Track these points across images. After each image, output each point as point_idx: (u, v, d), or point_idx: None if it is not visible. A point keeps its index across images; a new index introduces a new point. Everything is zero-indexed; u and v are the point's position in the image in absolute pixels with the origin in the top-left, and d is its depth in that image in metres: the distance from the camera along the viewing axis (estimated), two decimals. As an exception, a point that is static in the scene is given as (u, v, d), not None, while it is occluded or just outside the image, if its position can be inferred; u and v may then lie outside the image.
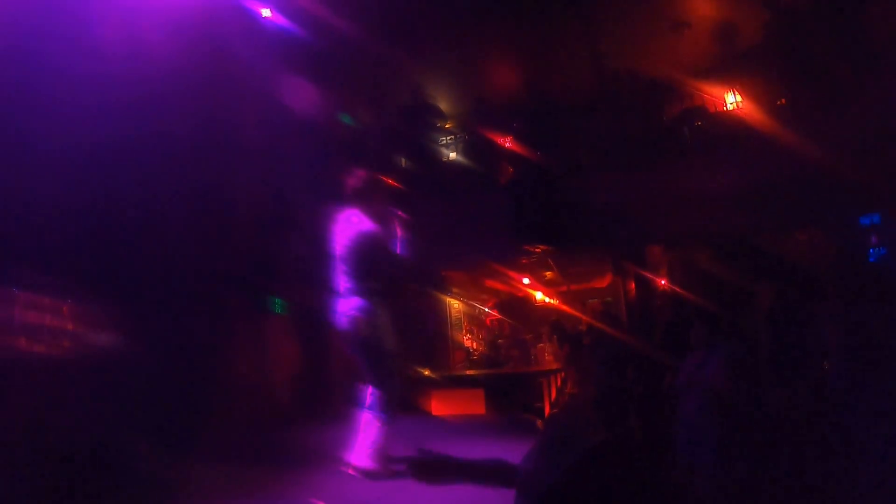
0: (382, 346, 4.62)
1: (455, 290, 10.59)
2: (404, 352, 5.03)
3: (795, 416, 5.73)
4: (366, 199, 4.80)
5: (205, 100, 7.13)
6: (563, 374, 9.10)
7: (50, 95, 5.18)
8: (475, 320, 11.01)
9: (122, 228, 6.35)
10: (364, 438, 4.65)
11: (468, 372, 9.63)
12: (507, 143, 10.02)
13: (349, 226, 4.74)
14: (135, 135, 6.23)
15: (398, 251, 4.84)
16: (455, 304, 10.65)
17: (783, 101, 7.56)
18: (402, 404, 5.31)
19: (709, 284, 7.86)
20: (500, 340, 10.44)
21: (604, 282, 10.80)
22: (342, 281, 4.73)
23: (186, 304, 7.22)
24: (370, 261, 4.68)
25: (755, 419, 5.62)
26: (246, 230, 7.95)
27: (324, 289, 5.39)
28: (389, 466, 4.68)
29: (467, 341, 10.53)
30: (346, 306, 4.63)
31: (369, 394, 4.69)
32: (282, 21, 8.28)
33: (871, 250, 6.86)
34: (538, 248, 9.88)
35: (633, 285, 9.23)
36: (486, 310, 11.06)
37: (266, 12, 8.14)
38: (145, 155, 6.32)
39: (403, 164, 10.54)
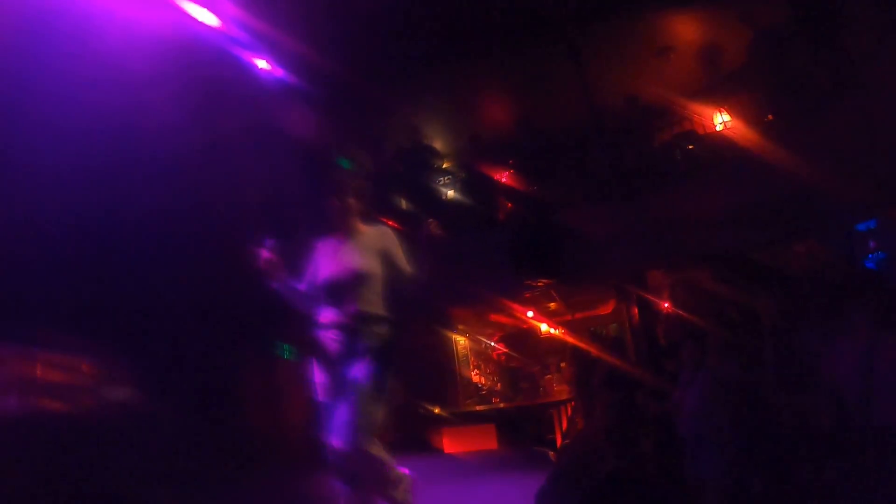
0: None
1: (460, 326, 10.63)
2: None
3: (809, 429, 5.69)
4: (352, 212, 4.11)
5: (206, 150, 7.23)
6: (573, 403, 9.06)
7: (44, 149, 5.28)
8: (482, 355, 11.01)
9: (133, 283, 6.41)
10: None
11: (478, 407, 9.62)
12: (504, 179, 10.14)
13: (348, 252, 4.03)
14: (136, 188, 6.32)
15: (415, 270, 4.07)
16: (461, 341, 10.67)
17: (770, 116, 7.70)
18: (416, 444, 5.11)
19: (711, 304, 7.89)
20: (508, 374, 10.46)
21: (608, 308, 10.82)
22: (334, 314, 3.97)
23: (199, 355, 7.26)
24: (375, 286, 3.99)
25: (766, 435, 5.62)
26: (253, 277, 7.99)
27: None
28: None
29: (475, 377, 10.53)
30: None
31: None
32: (277, 71, 8.43)
33: (869, 255, 6.92)
34: (540, 282, 9.94)
35: (637, 310, 9.26)
36: (492, 344, 11.06)
37: (263, 63, 8.30)
38: (149, 208, 6.41)
39: (403, 206, 10.65)
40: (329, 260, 4.06)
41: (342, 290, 3.95)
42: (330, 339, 3.93)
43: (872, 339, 5.05)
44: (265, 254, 4.03)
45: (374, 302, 3.96)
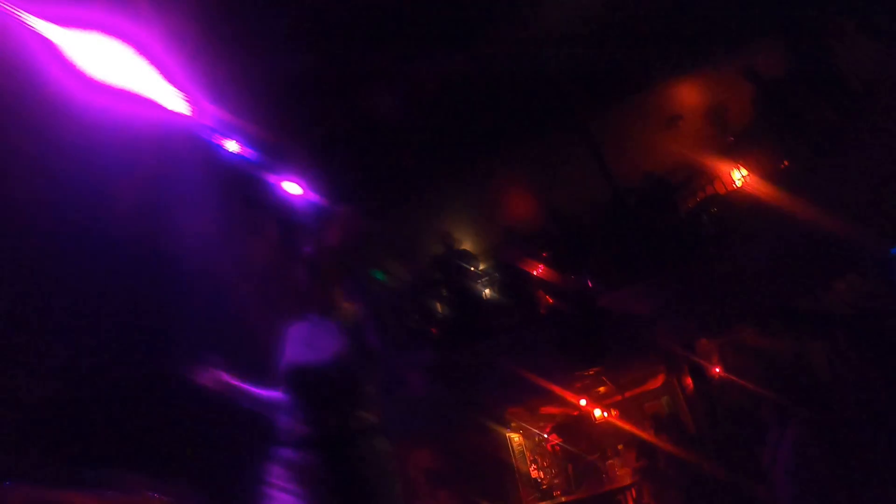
0: None
1: (513, 423, 10.41)
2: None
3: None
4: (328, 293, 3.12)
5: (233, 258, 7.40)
6: (637, 487, 8.72)
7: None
8: (537, 449, 10.71)
9: (201, 414, 6.51)
10: None
11: (542, 504, 9.28)
12: (539, 271, 10.20)
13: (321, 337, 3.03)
14: (175, 312, 6.50)
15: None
16: (515, 437, 10.42)
17: (786, 163, 7.75)
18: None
19: (763, 362, 7.69)
20: (566, 465, 10.14)
21: (657, 381, 10.54)
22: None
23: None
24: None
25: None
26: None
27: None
28: None
29: (534, 472, 10.19)
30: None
31: None
32: (308, 190, 8.72)
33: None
34: (590, 370, 9.82)
35: (689, 380, 9.02)
36: (545, 436, 10.78)
37: (296, 188, 8.56)
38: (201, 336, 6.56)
39: (442, 311, 10.73)
40: (300, 347, 3.05)
41: (318, 385, 2.92)
42: (308, 457, 2.86)
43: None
44: (211, 374, 3.29)
45: (363, 403, 2.95)
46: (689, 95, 9.48)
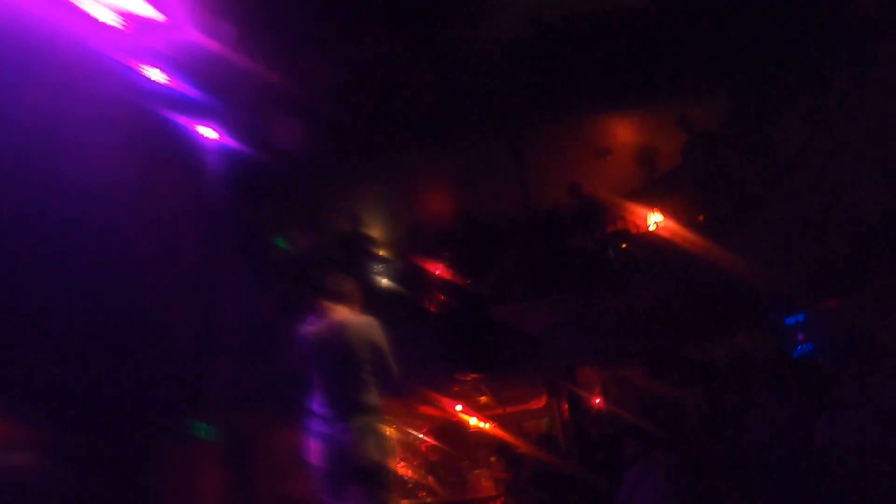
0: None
1: (387, 417, 10.31)
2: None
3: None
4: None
5: (132, 219, 7.00)
6: (500, 500, 8.86)
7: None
8: (409, 447, 10.68)
9: (42, 345, 6.07)
10: None
11: (404, 502, 9.25)
12: (439, 271, 10.16)
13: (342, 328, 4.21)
14: (50, 252, 6.04)
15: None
16: (387, 432, 10.32)
17: (702, 217, 8.04)
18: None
19: (642, 399, 7.97)
20: (436, 468, 10.19)
21: (540, 402, 10.73)
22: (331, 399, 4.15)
23: (108, 425, 6.83)
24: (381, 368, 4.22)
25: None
26: (172, 353, 7.67)
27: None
28: None
29: (402, 469, 10.16)
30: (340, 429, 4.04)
31: None
32: (222, 146, 8.34)
33: (798, 347, 7.19)
34: (470, 375, 9.86)
35: (567, 406, 9.24)
36: (420, 436, 10.76)
37: (212, 133, 8.18)
38: (63, 269, 6.13)
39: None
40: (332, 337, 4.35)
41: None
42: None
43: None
44: None
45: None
46: (622, 132, 9.62)
